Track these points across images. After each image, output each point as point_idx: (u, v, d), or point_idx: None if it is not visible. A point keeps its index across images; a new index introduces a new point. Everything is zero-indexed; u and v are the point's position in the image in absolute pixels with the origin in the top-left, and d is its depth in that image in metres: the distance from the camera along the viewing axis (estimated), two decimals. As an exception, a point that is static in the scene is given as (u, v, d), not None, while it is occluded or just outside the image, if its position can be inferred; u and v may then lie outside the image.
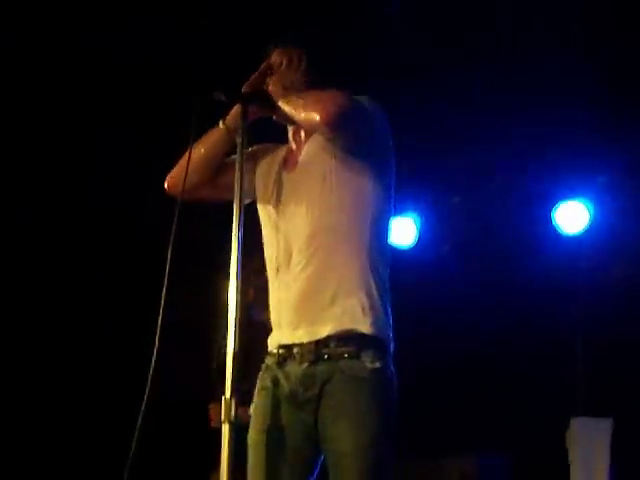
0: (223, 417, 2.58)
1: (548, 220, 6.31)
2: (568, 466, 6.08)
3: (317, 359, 2.81)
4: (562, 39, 5.55)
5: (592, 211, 6.21)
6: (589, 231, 6.25)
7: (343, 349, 2.79)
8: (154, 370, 2.67)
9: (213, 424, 4.74)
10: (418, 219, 6.73)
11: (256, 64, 2.98)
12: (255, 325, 4.41)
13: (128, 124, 5.87)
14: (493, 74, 5.75)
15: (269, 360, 2.92)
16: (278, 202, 2.95)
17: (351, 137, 2.86)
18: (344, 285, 2.82)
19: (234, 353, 2.61)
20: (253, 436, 2.87)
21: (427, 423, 6.39)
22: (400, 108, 2.96)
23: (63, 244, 6.55)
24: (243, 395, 2.62)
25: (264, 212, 3.01)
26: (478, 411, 6.42)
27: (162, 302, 2.69)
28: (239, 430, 2.62)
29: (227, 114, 2.99)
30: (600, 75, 5.69)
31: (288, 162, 3.00)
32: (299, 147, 3.00)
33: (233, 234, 2.69)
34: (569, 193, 6.27)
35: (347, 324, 2.79)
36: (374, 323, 2.80)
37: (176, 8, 4.87)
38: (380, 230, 2.90)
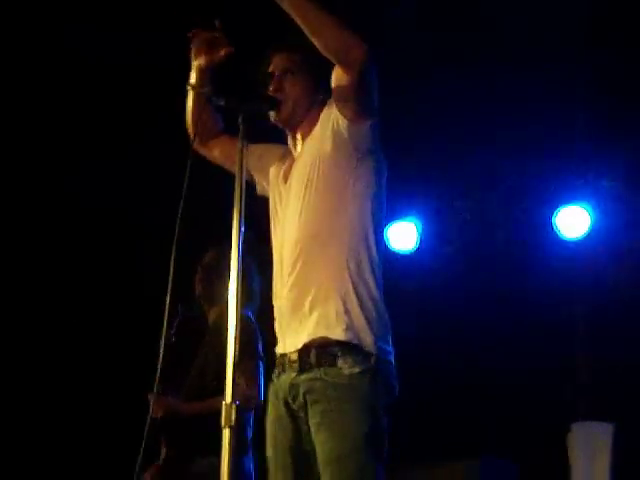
0: (223, 423, 2.57)
1: (549, 224, 6.30)
2: (569, 470, 6.08)
3: (302, 369, 2.82)
4: (565, 43, 5.55)
5: (593, 215, 6.20)
6: (590, 235, 6.24)
7: (322, 357, 2.79)
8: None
9: (153, 415, 4.59)
10: (419, 224, 6.72)
11: (256, 68, 2.98)
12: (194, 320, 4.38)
13: (128, 128, 5.87)
14: (494, 78, 5.75)
15: (275, 371, 2.95)
16: (277, 213, 3.00)
17: (365, 104, 2.82)
18: (321, 291, 2.82)
19: (234, 357, 2.60)
20: (268, 450, 2.92)
21: (429, 427, 6.39)
22: (401, 112, 2.96)
23: (62, 244, 6.54)
24: None
25: (272, 222, 3.05)
26: (480, 415, 6.42)
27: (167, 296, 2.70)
28: None
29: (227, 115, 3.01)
30: (602, 80, 5.69)
31: (288, 171, 3.02)
32: (297, 155, 3.01)
33: (233, 242, 2.67)
34: (570, 197, 6.26)
35: (321, 332, 2.80)
36: (348, 328, 2.78)
37: (176, 11, 4.89)
38: (368, 234, 2.87)
